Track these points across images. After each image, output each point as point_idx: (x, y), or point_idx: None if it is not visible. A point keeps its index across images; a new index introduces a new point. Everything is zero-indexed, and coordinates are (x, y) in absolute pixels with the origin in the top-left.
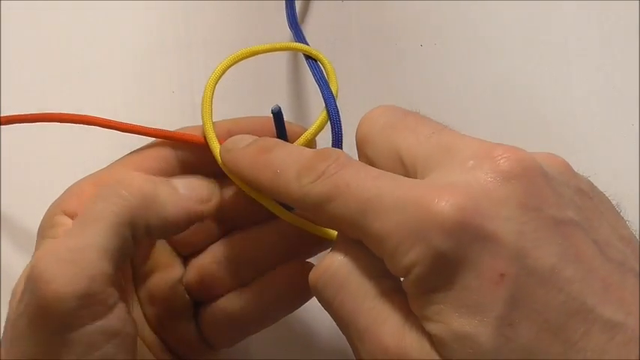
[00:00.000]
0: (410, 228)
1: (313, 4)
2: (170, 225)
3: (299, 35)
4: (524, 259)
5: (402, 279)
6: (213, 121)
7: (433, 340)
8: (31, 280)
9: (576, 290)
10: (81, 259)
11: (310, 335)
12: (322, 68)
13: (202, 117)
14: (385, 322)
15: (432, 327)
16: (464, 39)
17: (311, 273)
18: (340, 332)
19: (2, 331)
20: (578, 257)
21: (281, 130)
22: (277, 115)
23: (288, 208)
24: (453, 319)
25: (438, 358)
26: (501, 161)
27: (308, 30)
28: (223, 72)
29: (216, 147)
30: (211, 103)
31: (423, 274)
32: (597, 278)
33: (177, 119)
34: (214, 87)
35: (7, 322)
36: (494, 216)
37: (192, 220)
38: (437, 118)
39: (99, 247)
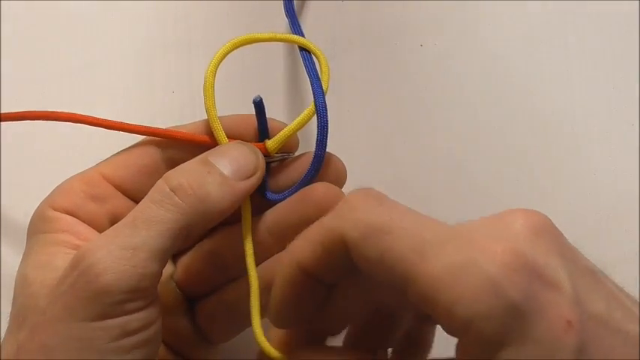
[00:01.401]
0: (474, 278)
1: (312, 3)
2: (222, 215)
3: (295, 24)
4: (583, 305)
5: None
6: (204, 117)
7: None
8: (78, 271)
9: (632, 330)
10: (132, 257)
11: None
12: (316, 62)
13: (206, 110)
14: None
15: None
16: (464, 39)
17: None
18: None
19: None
20: (618, 300)
21: (262, 121)
22: (258, 105)
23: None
24: None
25: None
26: (525, 219)
27: (307, 30)
28: (224, 56)
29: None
30: (213, 89)
31: (493, 329)
32: (638, 317)
33: (177, 119)
34: (215, 71)
35: (24, 308)
36: (549, 265)
37: (241, 200)
38: (437, 118)
39: (150, 249)
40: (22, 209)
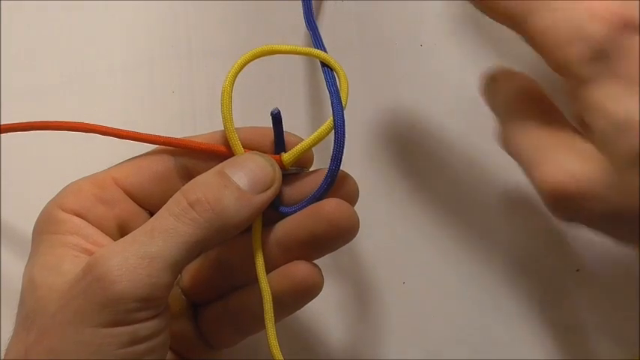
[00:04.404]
0: (570, 24)
1: (314, 3)
2: (239, 229)
3: (316, 35)
4: None
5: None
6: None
7: (595, 136)
8: (92, 276)
9: None
10: (147, 266)
11: (312, 336)
12: (336, 77)
13: (223, 120)
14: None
15: (591, 121)
16: (464, 39)
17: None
18: (342, 333)
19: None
20: None
21: (279, 133)
22: (276, 117)
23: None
24: (607, 109)
25: (599, 149)
26: None
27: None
28: (243, 66)
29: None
30: (231, 99)
31: (582, 63)
32: None
33: (177, 119)
34: (234, 81)
35: (32, 311)
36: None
37: (258, 213)
38: (437, 117)
39: (165, 259)
40: (23, 210)
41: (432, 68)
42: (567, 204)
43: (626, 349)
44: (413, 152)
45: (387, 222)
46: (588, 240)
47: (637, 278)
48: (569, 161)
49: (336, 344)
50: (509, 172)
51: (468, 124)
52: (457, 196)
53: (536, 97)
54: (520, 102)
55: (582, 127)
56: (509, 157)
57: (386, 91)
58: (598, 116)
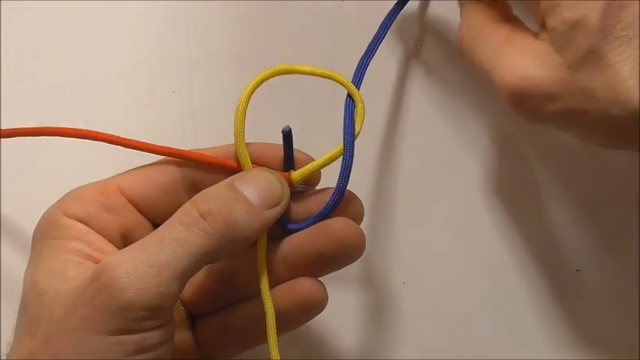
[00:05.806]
0: None
1: (314, 4)
2: (247, 243)
3: (358, 76)
4: None
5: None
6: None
7: (550, 35)
8: (100, 283)
9: None
10: (156, 275)
11: (312, 337)
12: (354, 105)
13: (235, 136)
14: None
15: (549, 21)
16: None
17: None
18: (341, 338)
19: (20, 326)
20: None
21: (288, 151)
22: (287, 135)
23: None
24: (565, 10)
25: (552, 49)
26: None
27: (307, 30)
28: (260, 83)
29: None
30: (245, 115)
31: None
32: None
33: (177, 119)
34: (250, 97)
35: (37, 316)
36: None
37: (266, 228)
38: (438, 117)
39: (175, 269)
40: (23, 214)
41: (432, 68)
42: (523, 103)
43: (626, 350)
44: (413, 150)
45: (387, 222)
46: (588, 240)
47: (637, 279)
48: (523, 63)
49: (335, 345)
50: (509, 171)
51: (469, 122)
52: (457, 196)
53: (489, 4)
54: (475, 12)
55: (543, 27)
56: (509, 158)
57: (386, 91)
58: (554, 15)
